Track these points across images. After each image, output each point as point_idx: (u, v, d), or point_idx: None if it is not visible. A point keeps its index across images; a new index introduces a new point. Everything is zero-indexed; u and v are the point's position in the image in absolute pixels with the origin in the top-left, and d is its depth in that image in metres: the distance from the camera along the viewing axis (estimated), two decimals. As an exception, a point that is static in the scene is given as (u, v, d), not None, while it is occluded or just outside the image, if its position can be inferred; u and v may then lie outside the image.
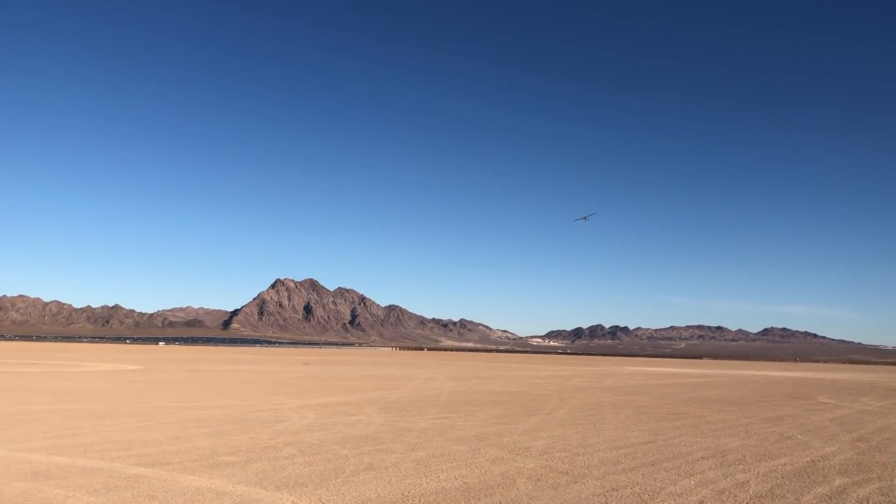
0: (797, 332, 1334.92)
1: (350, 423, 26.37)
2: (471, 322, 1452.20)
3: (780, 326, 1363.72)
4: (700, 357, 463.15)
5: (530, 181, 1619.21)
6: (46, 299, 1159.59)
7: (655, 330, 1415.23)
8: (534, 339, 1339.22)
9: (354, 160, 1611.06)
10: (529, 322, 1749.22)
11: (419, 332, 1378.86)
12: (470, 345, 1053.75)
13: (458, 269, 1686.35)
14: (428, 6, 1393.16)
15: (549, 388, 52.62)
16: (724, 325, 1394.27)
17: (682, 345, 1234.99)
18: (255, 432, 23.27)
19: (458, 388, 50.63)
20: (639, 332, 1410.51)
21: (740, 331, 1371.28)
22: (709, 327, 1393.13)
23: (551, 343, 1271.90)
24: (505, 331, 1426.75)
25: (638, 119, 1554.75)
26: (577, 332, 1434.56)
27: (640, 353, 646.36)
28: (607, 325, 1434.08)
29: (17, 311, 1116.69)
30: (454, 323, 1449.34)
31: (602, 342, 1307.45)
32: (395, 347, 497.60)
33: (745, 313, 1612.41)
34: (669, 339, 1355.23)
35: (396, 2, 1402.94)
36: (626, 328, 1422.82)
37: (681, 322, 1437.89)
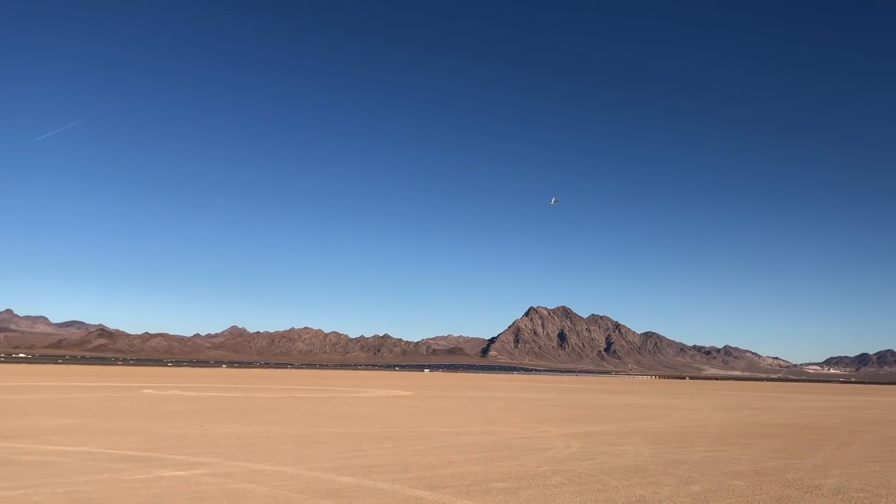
0: None
1: (616, 454, 25.76)
2: (736, 349, 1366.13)
3: None
4: None
5: (800, 193, 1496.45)
6: (327, 330, 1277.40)
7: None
8: (810, 367, 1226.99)
9: (601, 185, 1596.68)
10: (804, 348, 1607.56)
11: (679, 359, 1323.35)
12: (736, 373, 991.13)
13: (721, 291, 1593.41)
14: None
15: (834, 421, 47.66)
16: None
17: None
18: (523, 459, 23.53)
19: (727, 419, 47.61)
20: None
21: None
22: None
23: (831, 371, 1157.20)
24: (776, 358, 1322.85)
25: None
26: (863, 359, 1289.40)
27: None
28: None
29: (302, 341, 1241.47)
30: (717, 350, 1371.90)
31: (894, 370, 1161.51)
32: (654, 376, 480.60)
33: None
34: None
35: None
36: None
37: None
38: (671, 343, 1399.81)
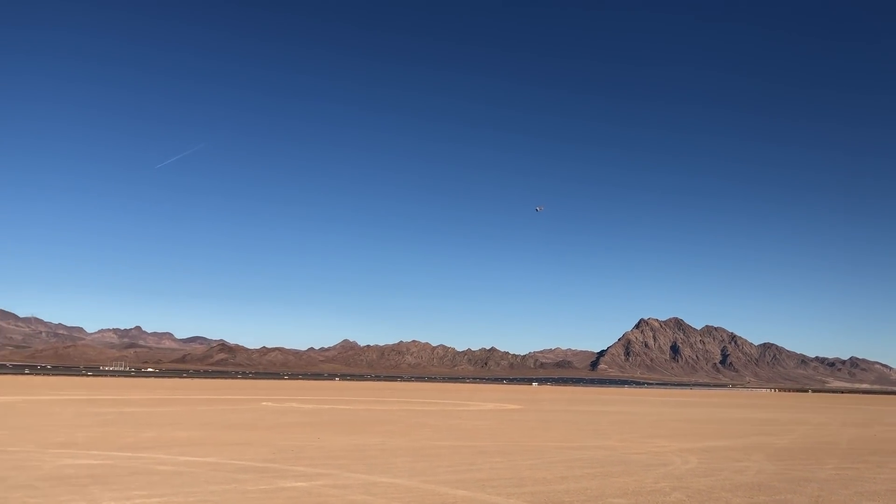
0: None
1: (738, 470, 24.81)
2: (864, 360, 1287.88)
3: None
4: None
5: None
6: (434, 344, 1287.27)
7: None
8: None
9: (708, 194, 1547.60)
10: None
11: (800, 371, 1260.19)
12: (864, 386, 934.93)
13: (846, 299, 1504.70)
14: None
15: (980, 439, 44.17)
16: None
17: None
18: (639, 475, 23.01)
19: (858, 434, 44.98)
20: None
21: None
22: None
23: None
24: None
25: None
26: None
27: None
28: None
29: (411, 354, 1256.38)
30: (842, 361, 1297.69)
31: None
32: (774, 389, 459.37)
33: None
34: None
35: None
36: None
37: None
38: (791, 355, 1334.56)
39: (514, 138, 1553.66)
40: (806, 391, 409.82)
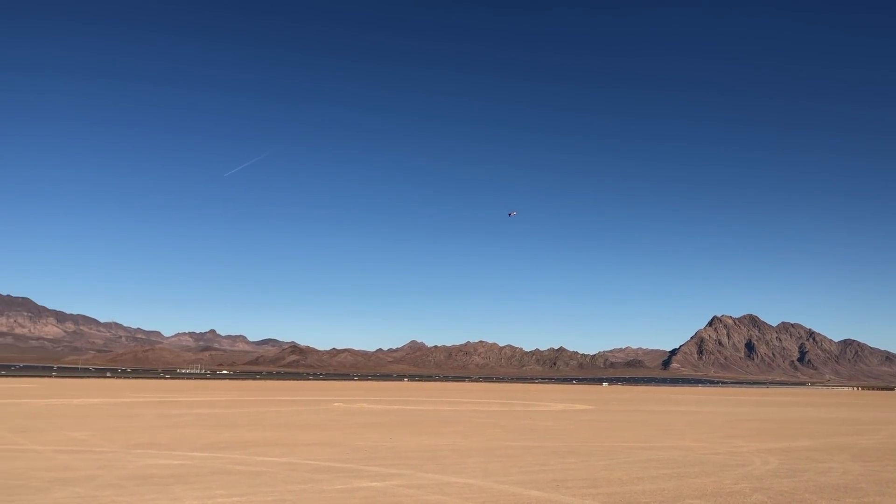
0: None
1: (821, 471, 23.98)
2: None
3: None
4: None
5: None
6: (502, 344, 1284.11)
7: None
8: None
9: (786, 188, 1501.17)
10: None
11: (885, 369, 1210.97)
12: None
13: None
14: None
15: None
16: None
17: None
18: (717, 476, 22.47)
19: (949, 434, 42.94)
20: None
21: None
22: None
23: None
24: None
25: None
26: None
27: None
28: None
29: (479, 355, 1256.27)
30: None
31: None
32: (856, 387, 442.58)
33: None
34: None
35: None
36: None
37: None
38: (875, 351, 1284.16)
39: (574, 140, 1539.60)
40: (891, 389, 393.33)
